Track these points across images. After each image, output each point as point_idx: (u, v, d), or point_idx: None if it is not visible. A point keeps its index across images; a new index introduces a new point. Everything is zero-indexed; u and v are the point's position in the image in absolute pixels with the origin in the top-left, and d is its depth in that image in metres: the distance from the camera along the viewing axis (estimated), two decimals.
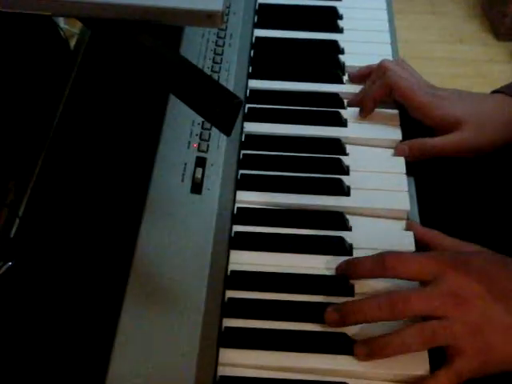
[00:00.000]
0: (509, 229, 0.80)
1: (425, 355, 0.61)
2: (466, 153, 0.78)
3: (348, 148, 0.78)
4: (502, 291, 0.61)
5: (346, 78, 0.87)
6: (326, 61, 0.89)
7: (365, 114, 0.81)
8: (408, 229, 0.70)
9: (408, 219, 0.72)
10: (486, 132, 0.78)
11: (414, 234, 0.69)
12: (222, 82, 0.79)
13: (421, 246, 0.69)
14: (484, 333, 0.60)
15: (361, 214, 0.72)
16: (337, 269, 0.66)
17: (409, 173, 0.76)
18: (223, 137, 0.74)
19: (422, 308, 0.61)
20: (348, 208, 0.72)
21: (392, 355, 0.60)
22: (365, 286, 0.65)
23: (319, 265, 0.67)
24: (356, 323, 0.62)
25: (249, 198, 0.72)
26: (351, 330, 0.62)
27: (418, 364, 0.60)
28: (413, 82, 0.81)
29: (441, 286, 0.61)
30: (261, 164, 0.76)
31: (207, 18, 0.58)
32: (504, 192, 0.83)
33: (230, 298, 0.64)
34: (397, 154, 0.78)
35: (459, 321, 0.60)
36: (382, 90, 0.80)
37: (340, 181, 0.74)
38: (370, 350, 0.60)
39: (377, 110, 0.82)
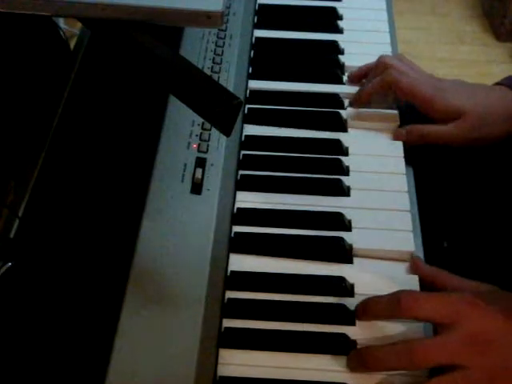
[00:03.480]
0: (509, 226, 0.80)
1: None
2: (462, 143, 0.78)
3: (348, 148, 0.78)
4: None
5: (345, 78, 0.87)
6: (325, 61, 0.89)
7: (356, 105, 0.81)
8: (412, 267, 0.67)
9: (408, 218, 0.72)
10: (486, 124, 0.77)
11: (419, 273, 0.67)
12: (222, 82, 0.79)
13: (426, 285, 0.66)
14: (503, 378, 0.58)
15: (361, 215, 0.72)
16: (356, 309, 0.64)
17: (409, 173, 0.76)
18: (223, 137, 0.74)
19: (442, 357, 0.58)
20: (348, 208, 0.72)
21: (376, 371, 0.59)
22: (365, 287, 0.65)
23: (319, 265, 0.67)
24: (377, 371, 0.60)
25: (249, 199, 0.72)
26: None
27: None
28: (414, 77, 0.80)
29: (460, 331, 0.59)
30: (261, 164, 0.76)
31: (207, 19, 0.58)
32: (504, 190, 0.83)
33: (229, 299, 0.64)
34: (394, 137, 0.78)
35: (479, 368, 0.57)
36: (381, 86, 0.80)
37: (340, 181, 0.74)
38: (358, 361, 0.59)
39: (377, 110, 0.82)
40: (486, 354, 0.58)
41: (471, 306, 0.60)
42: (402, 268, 0.67)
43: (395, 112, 0.82)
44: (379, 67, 0.82)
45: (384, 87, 0.80)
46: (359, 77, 0.85)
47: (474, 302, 0.60)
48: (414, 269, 0.67)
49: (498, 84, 0.83)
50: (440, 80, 0.82)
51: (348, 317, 0.63)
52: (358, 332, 0.62)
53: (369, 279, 0.66)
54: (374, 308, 0.62)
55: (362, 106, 0.81)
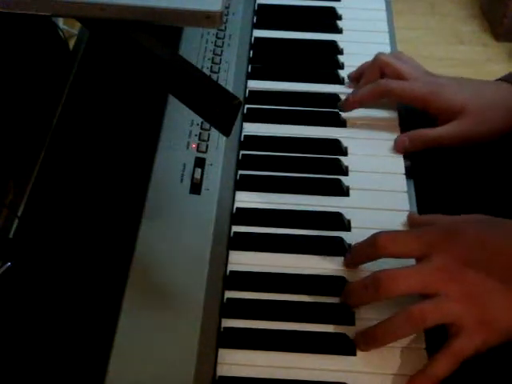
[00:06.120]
0: None
1: (423, 355, 0.60)
2: (465, 142, 0.77)
3: (347, 148, 0.78)
4: (500, 258, 0.60)
5: (345, 78, 0.87)
6: (325, 61, 0.89)
7: (344, 108, 0.81)
8: (408, 220, 0.70)
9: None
10: (487, 119, 0.77)
11: (414, 224, 0.69)
12: (221, 82, 0.79)
13: None
14: (482, 304, 0.59)
15: (360, 215, 0.72)
16: (344, 260, 0.67)
17: (408, 173, 0.76)
18: (222, 137, 0.74)
19: (411, 285, 0.60)
20: (347, 208, 0.72)
21: (387, 342, 0.60)
22: None
23: (318, 265, 0.67)
24: (353, 305, 0.63)
25: (248, 199, 0.72)
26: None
27: (417, 364, 0.60)
28: (407, 79, 0.80)
29: (432, 261, 0.60)
30: (260, 164, 0.76)
31: (206, 19, 0.58)
32: (505, 191, 0.83)
33: (228, 299, 0.64)
34: (397, 146, 0.78)
35: (454, 296, 0.59)
36: (372, 95, 0.80)
37: (339, 181, 0.74)
38: (366, 339, 0.60)
39: (376, 110, 0.82)
40: (460, 281, 0.59)
41: (443, 235, 0.62)
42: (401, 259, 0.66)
43: (395, 112, 0.82)
44: (375, 66, 0.82)
45: (375, 96, 0.80)
46: (358, 77, 0.85)
47: (445, 230, 0.62)
48: (409, 223, 0.70)
49: (498, 80, 0.82)
50: (438, 77, 0.82)
51: (348, 317, 0.63)
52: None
53: None
54: (355, 254, 0.66)
55: (348, 110, 0.81)
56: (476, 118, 0.77)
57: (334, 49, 0.90)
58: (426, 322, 0.59)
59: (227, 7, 0.90)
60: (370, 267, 0.66)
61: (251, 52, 0.89)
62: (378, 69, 0.82)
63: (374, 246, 0.63)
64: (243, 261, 0.67)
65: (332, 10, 0.96)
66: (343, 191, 0.73)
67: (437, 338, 0.61)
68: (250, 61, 0.88)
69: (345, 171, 0.76)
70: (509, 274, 0.59)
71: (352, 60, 0.88)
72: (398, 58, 0.83)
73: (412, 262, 0.63)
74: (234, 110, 0.55)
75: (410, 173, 0.76)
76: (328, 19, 0.94)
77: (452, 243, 0.61)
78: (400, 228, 0.70)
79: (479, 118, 0.77)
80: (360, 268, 0.67)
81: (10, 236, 0.65)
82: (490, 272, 0.60)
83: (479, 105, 0.77)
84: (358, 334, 0.61)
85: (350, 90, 0.85)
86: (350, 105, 0.81)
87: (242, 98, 0.82)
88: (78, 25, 0.68)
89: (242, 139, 0.78)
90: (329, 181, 0.74)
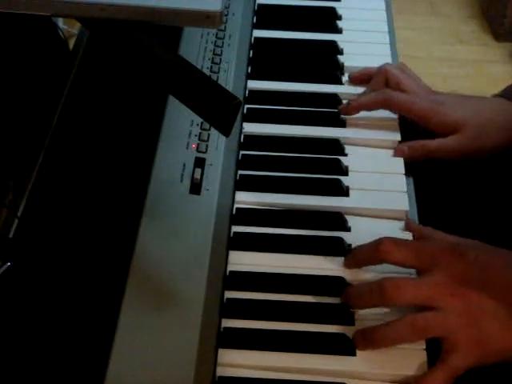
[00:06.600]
0: (508, 228, 0.80)
1: (423, 355, 0.61)
2: (464, 156, 0.78)
3: (347, 148, 0.78)
4: (498, 282, 0.61)
5: (345, 78, 0.87)
6: (324, 61, 0.89)
7: (345, 113, 0.81)
8: (405, 226, 0.71)
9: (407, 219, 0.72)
10: (485, 136, 0.78)
11: (410, 230, 0.70)
12: (221, 82, 0.79)
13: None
14: (480, 324, 0.60)
15: (360, 215, 0.72)
16: (344, 261, 0.67)
17: (408, 173, 0.76)
18: (222, 137, 0.74)
19: (414, 296, 0.61)
20: (347, 208, 0.72)
21: (386, 346, 0.60)
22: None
23: (318, 265, 0.67)
24: (357, 308, 0.63)
25: (248, 199, 0.72)
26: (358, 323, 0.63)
27: (416, 364, 0.60)
28: (410, 93, 0.80)
29: (435, 275, 0.61)
30: (260, 164, 0.76)
31: (206, 19, 0.58)
32: (503, 192, 0.83)
33: (228, 299, 0.64)
34: (396, 154, 0.78)
35: (454, 312, 0.60)
36: (374, 103, 0.81)
37: (339, 181, 0.74)
38: (365, 340, 0.61)
39: (376, 110, 0.82)
40: (461, 299, 0.60)
41: (447, 252, 0.63)
42: (401, 267, 0.67)
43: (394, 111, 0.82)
44: (380, 76, 0.82)
45: (377, 105, 0.81)
46: (360, 80, 0.85)
47: (450, 248, 0.63)
48: (406, 227, 0.71)
49: (496, 96, 0.83)
50: (438, 94, 0.83)
51: (347, 317, 0.63)
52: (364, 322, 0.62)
53: (368, 279, 0.66)
54: (356, 256, 0.66)
55: (347, 114, 0.82)
56: (474, 134, 0.78)
57: (333, 49, 0.90)
58: (428, 332, 0.60)
59: (227, 7, 0.90)
60: (369, 268, 0.66)
61: (251, 52, 0.89)
62: (383, 79, 0.82)
63: (377, 251, 0.64)
64: (243, 261, 0.67)
65: (332, 10, 0.96)
66: (343, 191, 0.73)
67: (436, 338, 0.61)
68: (250, 61, 0.88)
69: (345, 171, 0.76)
70: (509, 299, 0.60)
71: (352, 60, 0.88)
72: (402, 70, 0.83)
73: (409, 271, 0.64)
74: (234, 109, 0.55)
75: (409, 173, 0.76)
76: (328, 19, 0.94)
77: (455, 263, 0.62)
78: (399, 228, 0.71)
79: (477, 134, 0.78)
80: (360, 269, 0.67)
81: (10, 236, 0.65)
82: (491, 294, 0.61)
83: (477, 121, 0.78)
84: (357, 333, 0.61)
85: (349, 90, 0.85)
86: (350, 110, 0.81)
87: (241, 98, 0.82)
88: (78, 25, 0.68)
89: (242, 139, 0.78)
90: (329, 181, 0.74)
